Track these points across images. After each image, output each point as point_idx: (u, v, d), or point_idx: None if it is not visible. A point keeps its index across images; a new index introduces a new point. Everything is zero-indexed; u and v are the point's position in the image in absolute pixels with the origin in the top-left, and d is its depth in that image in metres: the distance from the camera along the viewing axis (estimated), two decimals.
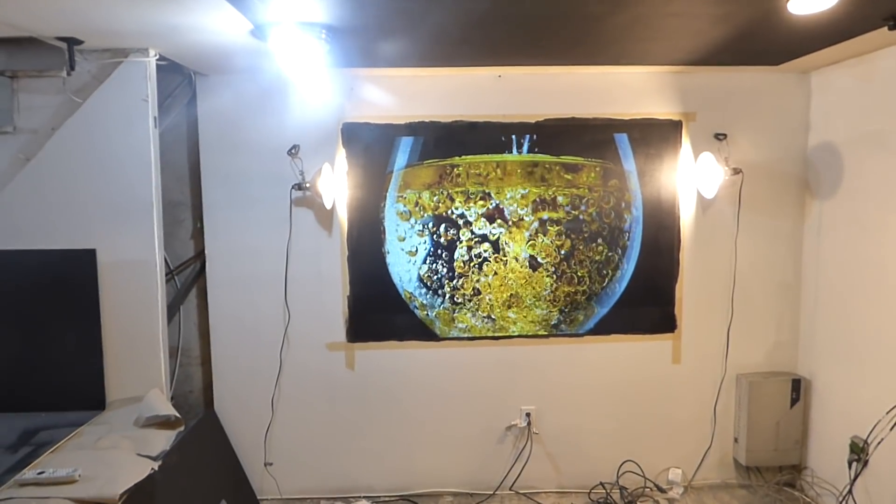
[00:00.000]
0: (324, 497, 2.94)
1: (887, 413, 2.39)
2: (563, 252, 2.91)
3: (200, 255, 2.87)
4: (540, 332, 2.94)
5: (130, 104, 2.29)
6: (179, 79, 2.72)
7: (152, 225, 2.34)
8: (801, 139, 2.91)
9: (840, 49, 2.44)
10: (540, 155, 2.85)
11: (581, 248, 2.91)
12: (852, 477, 2.55)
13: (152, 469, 1.91)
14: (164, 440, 2.12)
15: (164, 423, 2.19)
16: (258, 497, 2.90)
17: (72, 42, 2.15)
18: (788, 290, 2.98)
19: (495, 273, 2.91)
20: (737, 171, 2.84)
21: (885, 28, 2.08)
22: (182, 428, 2.23)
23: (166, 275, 2.77)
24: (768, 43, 2.37)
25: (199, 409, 2.94)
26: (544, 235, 2.89)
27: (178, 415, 2.22)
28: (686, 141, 2.88)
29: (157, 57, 2.32)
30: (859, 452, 2.52)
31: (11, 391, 2.31)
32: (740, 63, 2.74)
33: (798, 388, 2.88)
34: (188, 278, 2.90)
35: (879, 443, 2.44)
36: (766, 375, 2.93)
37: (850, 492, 2.56)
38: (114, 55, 2.28)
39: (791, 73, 2.86)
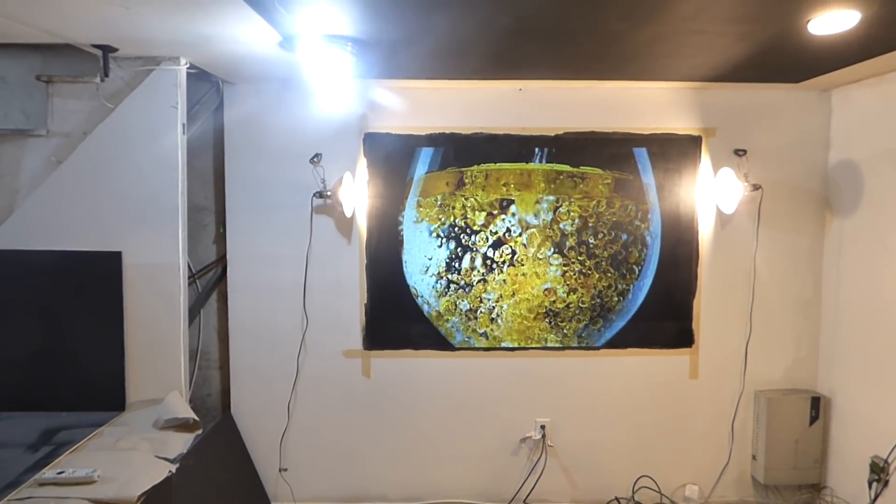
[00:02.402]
0: None
1: None
2: (580, 263, 2.91)
3: (222, 260, 2.90)
4: (556, 344, 2.94)
5: (160, 111, 2.34)
6: (207, 86, 2.77)
7: (177, 229, 2.38)
8: (822, 156, 2.91)
9: (861, 68, 2.45)
10: (559, 165, 2.87)
11: (598, 259, 2.91)
12: (872, 497, 2.51)
13: (170, 471, 1.92)
14: (181, 443, 2.13)
15: (183, 425, 2.20)
16: (272, 502, 2.90)
17: (106, 49, 2.21)
18: (808, 306, 2.96)
19: (512, 282, 2.91)
20: (756, 187, 2.84)
21: None
22: (200, 431, 2.24)
23: (188, 278, 2.81)
24: (789, 61, 2.39)
25: (217, 412, 2.95)
26: (562, 246, 2.90)
27: (196, 418, 2.24)
28: (705, 156, 2.89)
29: (188, 65, 2.38)
30: (880, 472, 2.48)
31: (34, 390, 2.34)
32: (761, 80, 2.75)
33: (818, 406, 2.85)
34: (209, 282, 2.93)
35: None
36: (785, 392, 2.90)
37: None
38: (146, 63, 2.33)
39: (811, 90, 2.87)
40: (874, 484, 2.51)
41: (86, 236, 2.34)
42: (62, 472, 1.81)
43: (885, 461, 2.46)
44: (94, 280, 2.36)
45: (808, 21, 1.86)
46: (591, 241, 2.90)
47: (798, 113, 2.88)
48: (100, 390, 2.35)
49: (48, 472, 1.82)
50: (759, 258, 2.91)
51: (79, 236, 2.34)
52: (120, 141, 2.34)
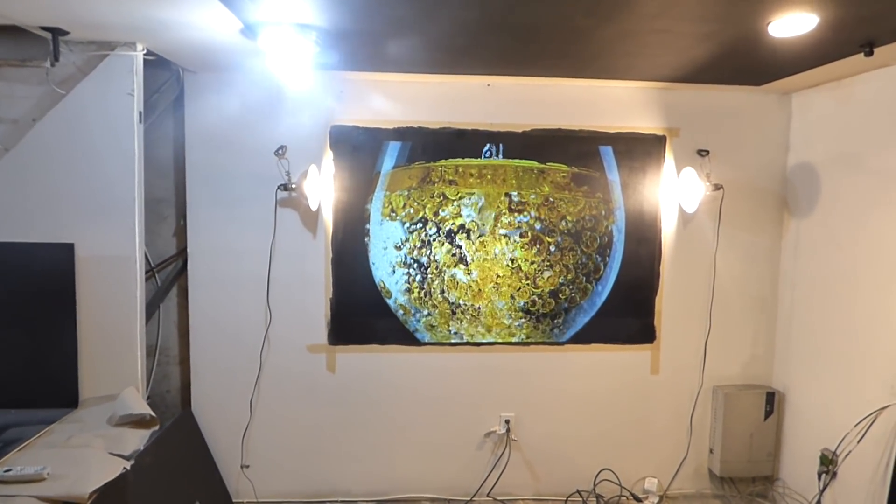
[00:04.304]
0: (300, 500, 2.92)
1: (855, 426, 2.45)
2: (545, 260, 2.93)
3: (182, 253, 2.83)
4: (521, 339, 2.96)
5: (115, 98, 2.26)
6: (167, 75, 2.69)
7: (133, 221, 2.31)
8: (781, 158, 2.98)
9: (820, 72, 2.51)
10: (526, 161, 2.88)
11: (563, 256, 2.94)
12: (821, 488, 2.61)
13: (124, 468, 1.88)
14: (137, 439, 2.09)
15: (139, 421, 2.16)
16: (233, 500, 2.87)
17: (57, 32, 2.12)
18: (765, 304, 3.04)
19: (480, 277, 2.92)
20: (718, 188, 2.89)
21: (862, 54, 2.15)
22: (157, 427, 2.20)
23: (147, 272, 2.74)
24: (751, 63, 2.43)
25: (177, 409, 2.89)
26: (528, 242, 2.92)
27: (152, 413, 2.19)
28: (669, 156, 2.94)
29: (145, 52, 2.30)
30: (828, 464, 2.58)
31: None
32: (724, 82, 2.80)
33: (772, 401, 2.94)
34: (169, 276, 2.86)
35: (847, 455, 2.50)
36: (741, 388, 2.98)
37: (818, 502, 2.61)
38: (100, 48, 2.25)
39: (773, 93, 2.94)
40: (823, 476, 2.60)
41: (36, 227, 2.26)
42: (9, 470, 1.76)
43: (834, 453, 2.55)
44: (45, 273, 2.27)
45: (769, 23, 1.90)
46: (557, 237, 2.92)
47: (759, 115, 2.94)
48: (51, 387, 2.28)
49: None
50: (719, 257, 2.98)
51: (28, 227, 2.25)
52: (72, 128, 2.26)
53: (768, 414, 2.93)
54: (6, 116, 2.25)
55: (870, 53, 2.11)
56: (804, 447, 2.79)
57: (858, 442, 2.43)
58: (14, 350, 2.26)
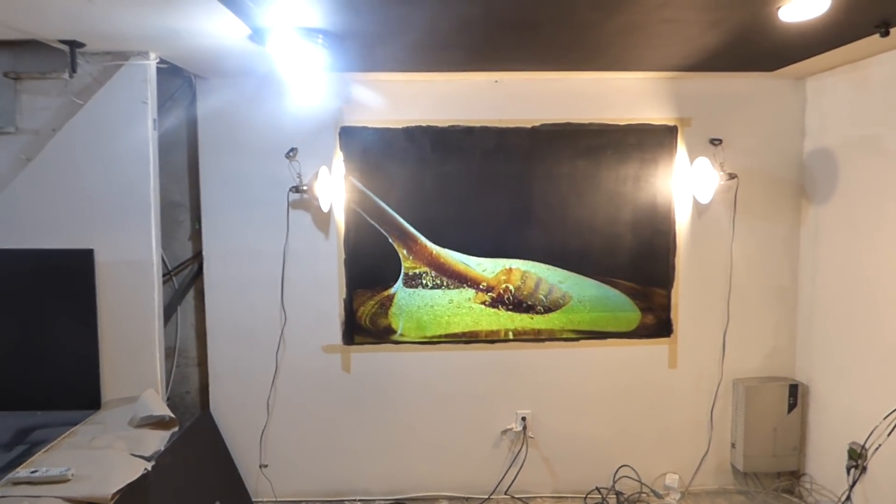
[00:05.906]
0: (318, 500, 2.93)
1: (885, 418, 2.37)
2: (559, 254, 2.91)
3: (198, 256, 2.89)
4: (536, 335, 2.94)
5: (130, 106, 2.33)
6: (179, 81, 2.75)
7: (150, 226, 2.37)
8: (797, 144, 2.92)
9: (834, 55, 2.46)
10: (536, 157, 2.86)
11: (577, 251, 2.91)
12: (851, 483, 2.53)
13: (145, 469, 1.92)
14: (158, 440, 2.13)
15: (159, 423, 2.20)
16: (253, 499, 2.90)
17: (74, 45, 2.19)
18: (785, 294, 2.97)
19: (492, 272, 2.91)
20: (732, 177, 2.84)
21: (877, 35, 2.10)
22: (176, 428, 2.24)
23: (164, 275, 2.79)
24: (762, 49, 2.39)
25: (196, 410, 2.94)
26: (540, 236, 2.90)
27: (172, 415, 2.23)
28: (681, 146, 2.90)
29: (158, 60, 2.36)
30: (857, 458, 2.50)
31: (7, 389, 2.32)
32: (735, 69, 2.76)
33: (795, 394, 2.86)
34: (186, 279, 2.91)
35: (877, 448, 2.43)
36: (763, 380, 2.92)
37: (848, 498, 2.54)
38: (115, 58, 2.31)
39: (786, 79, 2.88)
40: (852, 470, 2.53)
41: (57, 234, 2.32)
42: (36, 472, 1.80)
43: (863, 447, 2.48)
44: (67, 278, 2.34)
45: (779, 8, 1.86)
46: (569, 231, 2.89)
47: (773, 102, 2.89)
48: (74, 389, 2.34)
49: (22, 472, 1.81)
50: (735, 247, 2.92)
51: (50, 234, 2.32)
52: (90, 137, 2.32)
53: (792, 407, 2.86)
54: (28, 127, 2.33)
55: (885, 34, 2.06)
56: (831, 441, 2.71)
57: (888, 435, 2.36)
58: (38, 353, 2.32)
